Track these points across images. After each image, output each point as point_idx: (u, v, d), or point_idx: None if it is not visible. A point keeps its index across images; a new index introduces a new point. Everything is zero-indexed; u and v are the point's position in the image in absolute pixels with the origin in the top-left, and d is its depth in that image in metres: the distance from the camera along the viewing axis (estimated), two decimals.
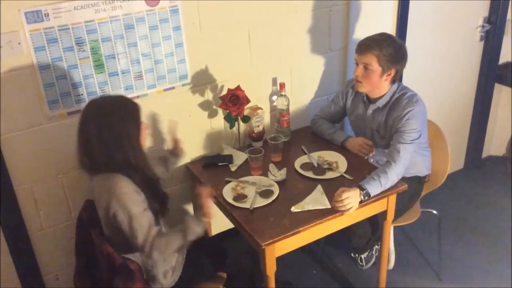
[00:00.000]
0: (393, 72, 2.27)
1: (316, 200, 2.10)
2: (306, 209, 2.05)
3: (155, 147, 2.36)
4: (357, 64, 2.30)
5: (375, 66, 2.23)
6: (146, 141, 1.92)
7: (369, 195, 2.10)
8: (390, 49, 2.21)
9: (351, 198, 2.03)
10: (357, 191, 2.08)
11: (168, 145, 2.37)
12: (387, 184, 2.16)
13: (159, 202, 1.93)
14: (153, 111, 2.30)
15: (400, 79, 2.96)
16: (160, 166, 2.24)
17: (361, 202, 2.08)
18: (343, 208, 2.03)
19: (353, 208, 2.04)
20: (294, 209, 2.06)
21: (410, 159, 2.26)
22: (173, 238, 1.85)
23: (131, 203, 1.78)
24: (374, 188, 2.12)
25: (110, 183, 1.78)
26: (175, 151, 2.30)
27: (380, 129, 2.40)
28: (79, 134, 1.82)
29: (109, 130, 1.76)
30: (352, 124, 2.59)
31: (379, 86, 2.32)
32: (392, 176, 2.17)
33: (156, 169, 2.15)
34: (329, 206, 2.07)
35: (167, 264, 1.99)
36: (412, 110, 2.26)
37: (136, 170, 1.83)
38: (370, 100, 2.42)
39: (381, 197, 2.17)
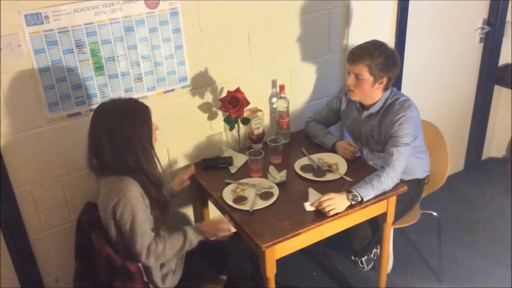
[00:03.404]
0: (385, 80, 2.26)
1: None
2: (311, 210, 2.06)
3: None
4: (348, 73, 2.30)
5: (366, 76, 2.23)
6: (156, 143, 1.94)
7: (357, 198, 2.09)
8: (381, 58, 2.20)
9: (331, 200, 2.03)
10: (343, 195, 2.08)
11: (173, 182, 2.28)
12: (381, 187, 2.14)
13: (160, 209, 1.94)
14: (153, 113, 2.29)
15: (400, 82, 2.97)
16: None
17: (351, 206, 2.08)
18: (323, 211, 2.03)
19: (335, 210, 2.03)
20: (308, 207, 2.06)
21: (405, 162, 2.25)
22: (170, 246, 1.89)
23: (138, 208, 1.80)
24: (365, 191, 2.11)
25: (121, 185, 1.79)
26: (174, 191, 2.25)
27: (374, 134, 2.39)
28: (89, 136, 1.84)
29: (120, 132, 1.78)
30: (347, 129, 2.59)
31: (371, 95, 2.31)
32: (386, 180, 2.15)
33: None
34: None
35: (166, 267, 1.99)
36: (404, 116, 2.25)
37: (145, 173, 1.84)
38: (363, 107, 2.41)
39: (381, 199, 2.17)
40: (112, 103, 1.85)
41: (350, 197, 2.08)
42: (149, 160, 1.85)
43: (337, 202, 2.04)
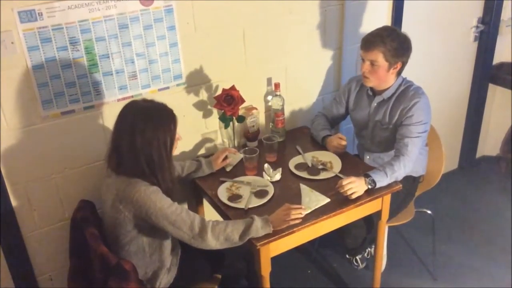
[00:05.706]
0: (399, 65, 2.29)
1: (313, 198, 2.10)
2: (314, 208, 2.05)
3: None
4: (363, 60, 2.31)
5: (382, 62, 2.25)
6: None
7: (375, 183, 2.13)
8: (395, 43, 2.23)
9: (353, 183, 2.08)
10: (362, 179, 2.12)
11: (213, 157, 2.35)
12: (394, 175, 2.18)
13: None
14: None
15: None
16: (191, 166, 2.30)
17: (368, 190, 2.12)
18: (345, 194, 2.07)
19: (356, 193, 2.08)
20: (303, 212, 2.04)
21: (417, 154, 2.28)
22: (233, 227, 1.86)
23: (160, 199, 1.80)
24: (380, 177, 2.15)
25: (134, 188, 1.79)
26: (213, 165, 2.31)
27: (383, 120, 2.41)
28: (113, 131, 1.86)
29: (141, 134, 1.78)
30: (354, 120, 2.59)
31: (386, 80, 2.34)
32: (399, 168, 2.19)
33: (179, 167, 2.25)
34: (329, 200, 2.09)
35: (163, 267, 1.99)
36: (419, 102, 2.28)
37: (156, 178, 1.85)
38: (375, 93, 2.43)
39: (376, 197, 2.17)
40: (143, 103, 1.87)
41: (369, 181, 2.12)
42: (163, 167, 1.85)
43: (358, 185, 2.08)
